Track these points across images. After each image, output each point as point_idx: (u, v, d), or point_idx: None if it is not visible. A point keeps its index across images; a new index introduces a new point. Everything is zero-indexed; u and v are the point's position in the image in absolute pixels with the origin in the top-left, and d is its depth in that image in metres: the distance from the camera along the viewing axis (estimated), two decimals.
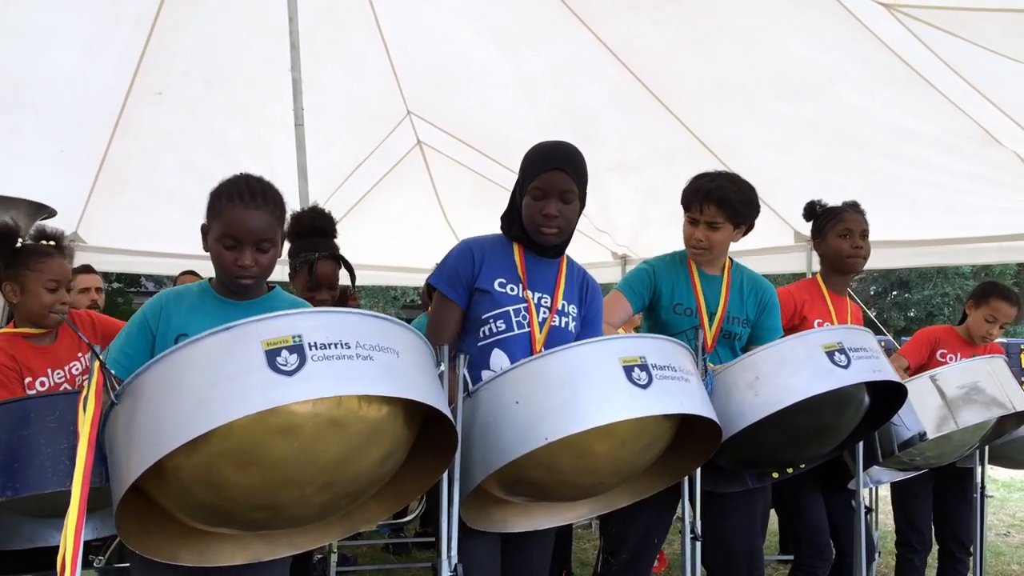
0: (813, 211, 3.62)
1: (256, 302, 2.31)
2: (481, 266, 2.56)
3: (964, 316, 4.17)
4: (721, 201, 2.99)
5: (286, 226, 3.41)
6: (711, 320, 3.05)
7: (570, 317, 2.64)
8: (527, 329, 2.53)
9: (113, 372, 1.77)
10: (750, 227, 3.12)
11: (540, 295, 2.59)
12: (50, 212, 3.11)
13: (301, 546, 2.19)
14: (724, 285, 3.11)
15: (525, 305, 2.55)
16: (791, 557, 5.35)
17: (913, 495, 4.00)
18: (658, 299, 3.07)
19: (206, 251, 2.26)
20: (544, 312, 2.58)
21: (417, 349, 1.86)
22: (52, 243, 3.01)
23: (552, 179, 2.51)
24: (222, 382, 1.61)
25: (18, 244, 2.93)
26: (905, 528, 4.03)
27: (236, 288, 2.26)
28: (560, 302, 2.62)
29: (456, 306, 2.56)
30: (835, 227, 3.49)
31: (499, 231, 2.70)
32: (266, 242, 2.20)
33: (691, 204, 3.06)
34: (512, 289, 2.56)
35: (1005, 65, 3.99)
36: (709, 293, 3.08)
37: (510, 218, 2.66)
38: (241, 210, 2.17)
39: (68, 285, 2.98)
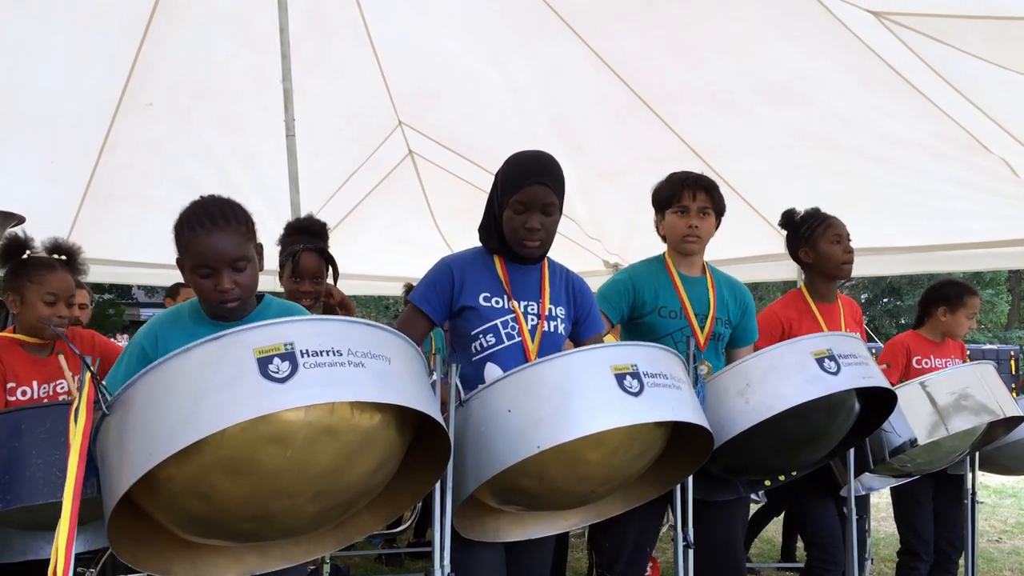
0: (792, 219, 3.56)
1: (251, 318, 2.27)
2: (462, 284, 2.56)
3: (921, 319, 4.20)
4: (710, 187, 3.06)
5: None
6: (702, 321, 3.05)
7: (559, 320, 2.65)
8: (517, 339, 2.54)
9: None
10: (720, 219, 3.16)
11: (526, 303, 2.60)
12: (19, 219, 3.10)
13: (295, 558, 2.19)
14: (709, 286, 3.12)
15: (512, 316, 2.56)
16: (792, 565, 5.42)
17: (916, 503, 3.99)
18: (641, 306, 3.07)
19: (187, 283, 2.23)
20: (533, 320, 2.58)
21: (409, 357, 1.86)
22: (63, 257, 3.00)
23: (535, 193, 2.51)
24: (214, 391, 1.61)
25: (23, 257, 2.93)
26: (911, 538, 4.02)
27: (224, 313, 2.21)
28: (547, 307, 2.62)
29: (425, 317, 2.57)
30: (825, 233, 3.44)
31: (478, 243, 2.71)
32: (241, 260, 2.16)
33: (680, 194, 3.06)
34: (498, 302, 2.57)
35: (993, 72, 4.01)
36: (693, 294, 3.08)
37: (488, 230, 2.65)
38: (205, 237, 2.12)
39: (69, 300, 2.97)
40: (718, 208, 3.09)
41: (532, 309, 2.60)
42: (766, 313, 3.52)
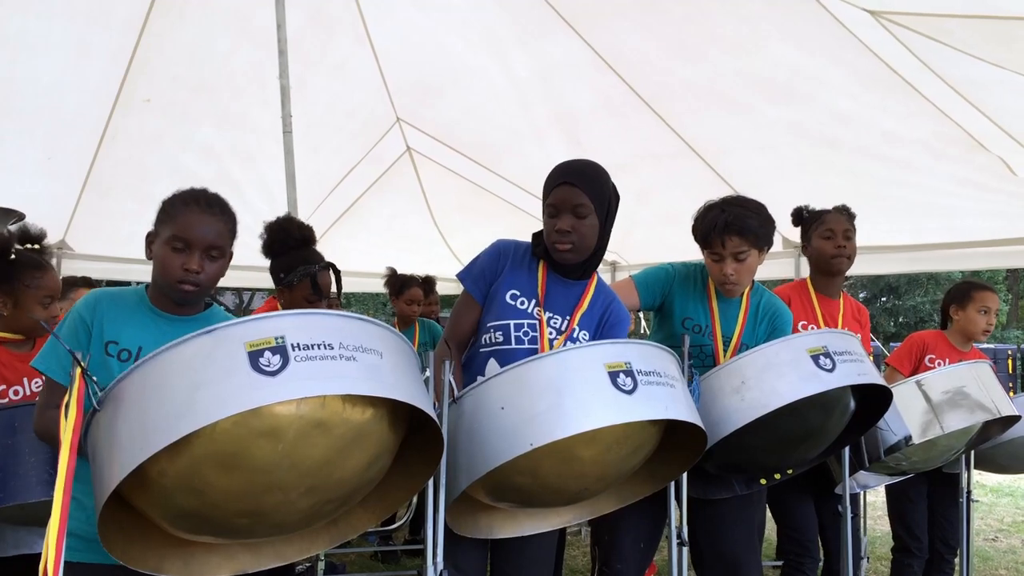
0: (800, 216, 3.67)
1: (195, 319, 2.24)
2: (503, 270, 2.58)
3: (945, 322, 4.20)
4: (743, 231, 2.88)
5: (264, 237, 3.45)
6: (726, 344, 3.02)
7: (580, 343, 2.60)
8: (527, 346, 2.53)
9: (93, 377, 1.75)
10: (771, 244, 3.01)
11: (553, 316, 2.58)
12: (19, 216, 3.10)
13: (287, 556, 2.17)
14: (742, 310, 3.06)
15: (532, 323, 2.54)
16: None
17: (909, 500, 4.02)
18: (669, 306, 3.05)
19: (148, 258, 2.21)
20: (553, 333, 2.56)
21: (401, 352, 1.85)
22: (36, 246, 2.99)
23: (563, 194, 2.51)
24: (205, 384, 1.60)
25: (11, 256, 2.89)
26: (903, 535, 4.04)
27: (177, 297, 2.18)
28: (574, 327, 2.59)
29: (476, 305, 2.59)
30: (817, 229, 3.55)
31: (491, 241, 2.71)
32: (215, 250, 2.17)
33: (710, 240, 2.93)
34: (523, 303, 2.56)
35: (989, 71, 4.01)
36: (725, 315, 3.04)
37: (539, 237, 2.66)
38: (196, 214, 2.16)
39: (58, 296, 2.97)
40: (758, 244, 2.92)
41: (556, 323, 2.58)
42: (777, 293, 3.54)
